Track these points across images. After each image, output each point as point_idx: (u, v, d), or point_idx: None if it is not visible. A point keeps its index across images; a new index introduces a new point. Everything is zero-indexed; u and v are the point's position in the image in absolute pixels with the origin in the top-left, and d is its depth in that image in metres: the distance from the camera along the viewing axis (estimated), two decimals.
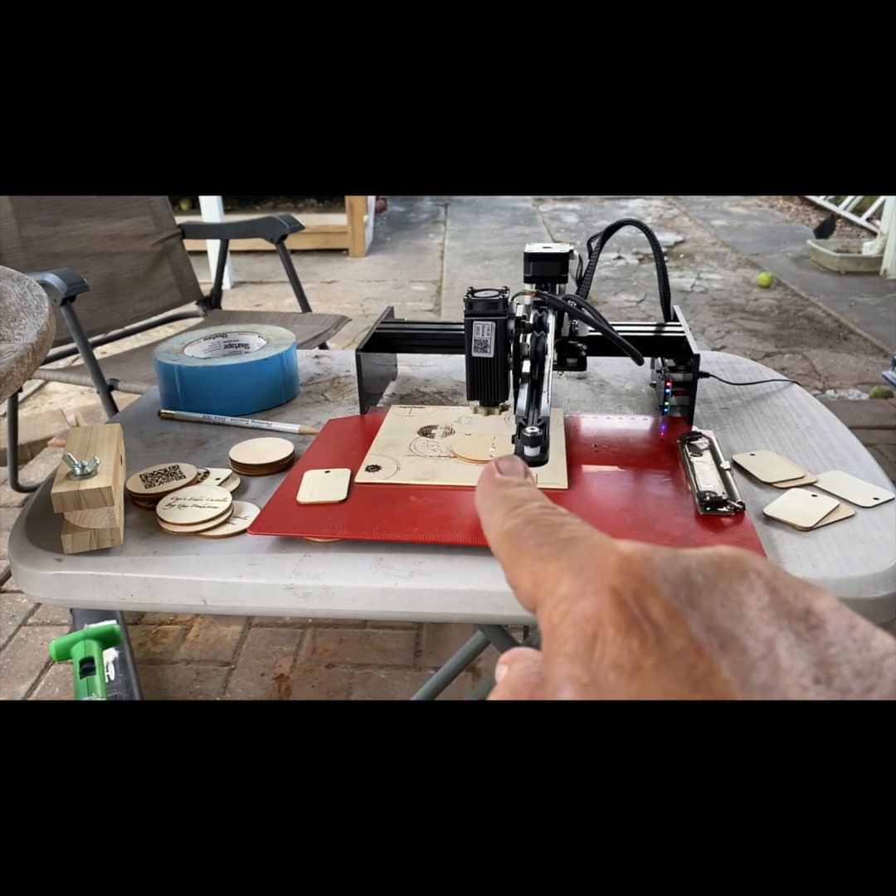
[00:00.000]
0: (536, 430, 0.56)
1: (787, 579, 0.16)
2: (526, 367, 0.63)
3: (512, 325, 0.66)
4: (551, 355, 0.65)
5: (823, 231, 3.97)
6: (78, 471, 0.62)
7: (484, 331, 0.65)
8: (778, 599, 0.15)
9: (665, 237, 4.30)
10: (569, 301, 0.71)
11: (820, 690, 0.14)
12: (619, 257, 3.93)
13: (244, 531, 0.64)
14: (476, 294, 0.66)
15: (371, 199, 4.38)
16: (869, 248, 3.62)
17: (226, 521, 0.65)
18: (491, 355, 0.65)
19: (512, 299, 0.69)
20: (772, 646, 0.14)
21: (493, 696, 0.19)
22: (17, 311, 0.75)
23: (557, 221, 4.81)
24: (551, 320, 0.68)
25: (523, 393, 0.61)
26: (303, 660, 1.43)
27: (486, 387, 0.67)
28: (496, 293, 0.67)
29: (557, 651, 0.16)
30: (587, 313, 0.71)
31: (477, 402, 0.69)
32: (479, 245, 4.23)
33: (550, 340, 0.66)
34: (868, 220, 4.26)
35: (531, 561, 0.18)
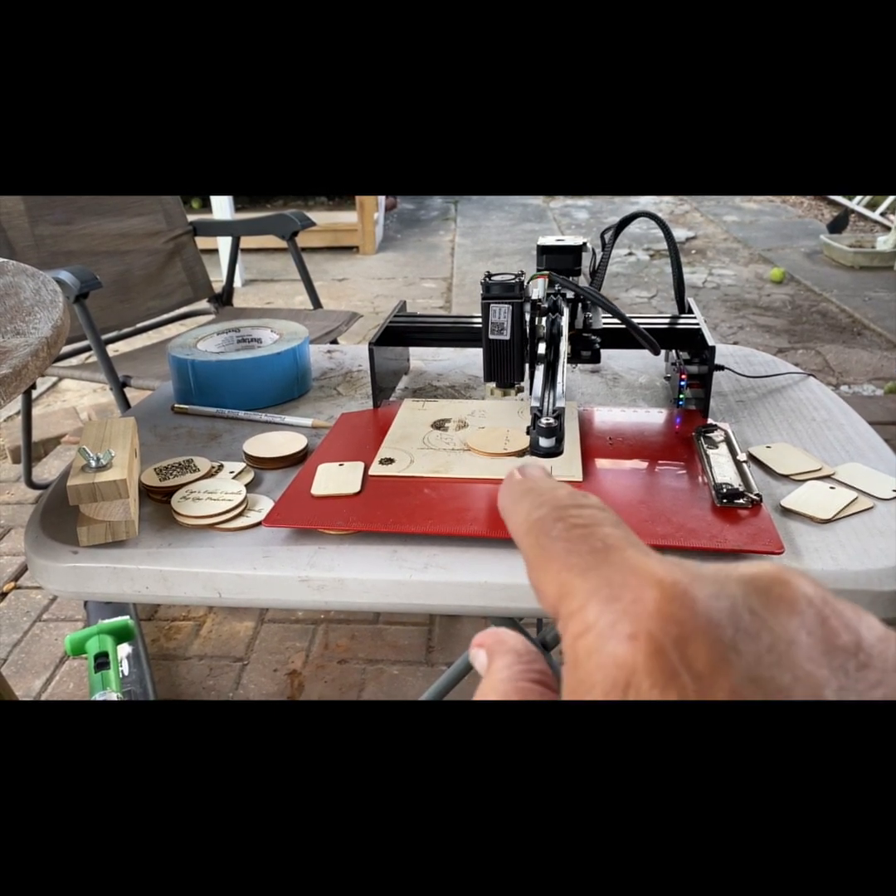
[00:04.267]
0: (552, 420, 0.56)
1: (837, 606, 0.15)
2: (541, 348, 0.65)
3: (528, 307, 0.68)
4: (566, 337, 0.66)
5: (836, 226, 3.94)
6: (93, 463, 0.62)
7: (501, 313, 0.66)
8: (828, 632, 0.14)
9: (676, 233, 4.28)
10: (586, 290, 0.72)
11: None
12: (630, 253, 3.92)
13: (259, 524, 0.64)
14: (493, 277, 0.68)
15: (381, 196, 4.38)
16: (883, 242, 3.59)
17: (240, 514, 0.64)
18: (507, 337, 0.67)
19: (527, 283, 0.70)
20: (819, 693, 0.14)
21: (479, 697, 0.18)
22: (32, 305, 0.75)
23: (568, 218, 4.80)
24: (565, 307, 0.69)
25: (539, 375, 0.62)
26: (315, 656, 1.44)
27: (503, 368, 0.68)
28: (512, 277, 0.68)
29: (582, 693, 0.15)
30: (604, 301, 0.71)
31: (493, 384, 0.70)
32: (489, 242, 4.22)
33: (565, 322, 0.67)
34: (882, 214, 4.22)
35: (557, 569, 0.16)
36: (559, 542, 0.17)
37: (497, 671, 0.18)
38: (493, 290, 0.67)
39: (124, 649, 1.24)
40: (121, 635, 1.11)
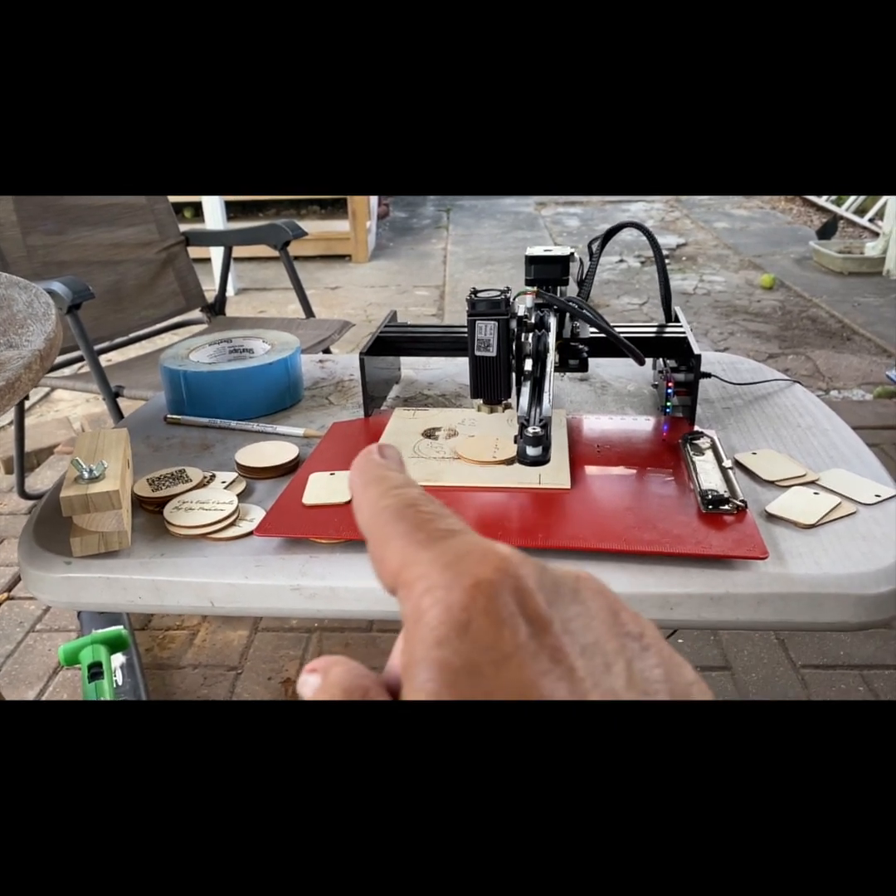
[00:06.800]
0: (539, 429, 0.57)
1: (626, 607, 0.19)
2: (528, 365, 0.64)
3: (514, 324, 0.68)
4: (553, 353, 0.66)
5: (826, 232, 3.97)
6: (86, 475, 0.62)
7: (487, 330, 0.66)
8: (618, 620, 0.18)
9: (667, 240, 4.30)
10: (570, 303, 0.72)
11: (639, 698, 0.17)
12: (621, 260, 3.94)
13: (250, 533, 0.64)
14: (479, 294, 0.68)
15: (373, 204, 4.40)
16: (871, 248, 3.62)
17: (232, 524, 0.65)
18: (494, 354, 0.66)
19: (514, 299, 0.70)
20: (608, 658, 0.17)
21: (320, 696, 0.19)
22: (25, 318, 0.76)
23: (559, 225, 4.82)
24: (552, 320, 0.69)
25: (525, 391, 0.62)
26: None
27: (490, 385, 0.68)
28: (498, 293, 0.68)
29: (425, 636, 0.16)
30: (588, 313, 0.72)
31: (480, 400, 0.70)
32: (481, 250, 4.24)
33: (551, 338, 0.67)
34: (870, 220, 4.25)
35: (403, 543, 0.18)
36: (404, 523, 0.18)
37: (334, 675, 0.19)
38: (479, 307, 0.67)
39: (118, 659, 1.24)
40: (115, 645, 1.12)
